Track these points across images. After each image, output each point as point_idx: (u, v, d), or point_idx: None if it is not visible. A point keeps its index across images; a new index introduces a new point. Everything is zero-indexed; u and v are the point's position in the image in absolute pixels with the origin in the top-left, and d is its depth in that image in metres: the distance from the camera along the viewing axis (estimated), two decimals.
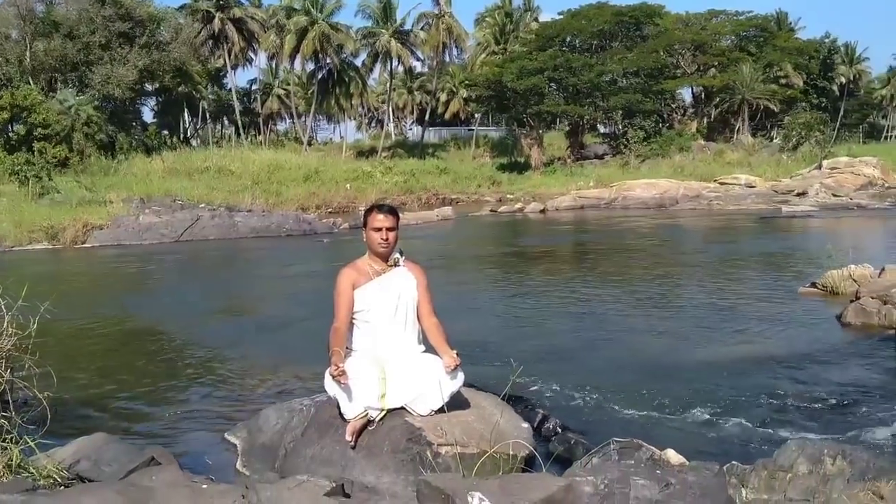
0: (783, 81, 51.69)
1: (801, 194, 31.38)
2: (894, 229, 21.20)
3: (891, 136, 72.94)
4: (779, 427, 5.21)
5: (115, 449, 4.39)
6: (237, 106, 55.53)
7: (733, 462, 3.82)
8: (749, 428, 5.21)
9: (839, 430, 5.07)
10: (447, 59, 58.67)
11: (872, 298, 8.54)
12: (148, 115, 59.81)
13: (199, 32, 48.99)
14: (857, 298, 8.73)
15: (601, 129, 56.99)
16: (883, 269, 9.61)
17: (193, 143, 57.18)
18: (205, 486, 3.26)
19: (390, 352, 4.34)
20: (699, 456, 4.17)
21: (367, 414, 4.17)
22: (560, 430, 5.17)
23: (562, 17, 53.90)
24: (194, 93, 56.33)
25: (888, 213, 26.01)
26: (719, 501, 3.36)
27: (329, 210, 31.90)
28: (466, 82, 58.00)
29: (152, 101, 57.44)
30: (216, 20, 49.17)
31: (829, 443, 3.87)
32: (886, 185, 32.17)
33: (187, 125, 63.72)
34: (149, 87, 48.31)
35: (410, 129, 79.57)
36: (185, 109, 60.59)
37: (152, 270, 16.26)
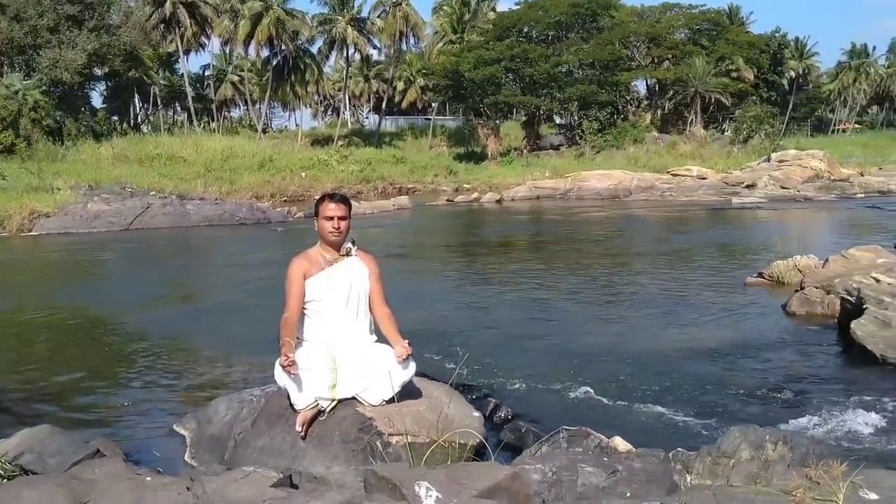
0: (735, 75, 52.64)
1: (751, 186, 31.99)
2: (839, 221, 21.76)
3: (837, 130, 74.84)
4: (723, 414, 5.33)
5: (60, 441, 4.31)
6: (189, 92, 54.55)
7: (679, 449, 3.89)
8: (694, 415, 5.32)
9: (781, 418, 5.20)
10: (404, 47, 58.41)
11: (816, 288, 8.76)
12: (97, 101, 58.37)
13: (151, 16, 47.95)
14: (802, 288, 8.94)
15: (557, 119, 57.38)
16: (827, 260, 9.85)
17: (144, 129, 56.00)
18: (149, 479, 3.21)
19: (341, 342, 4.32)
20: (646, 443, 4.24)
21: (318, 404, 4.15)
22: (511, 419, 5.21)
23: (519, 7, 54.10)
24: (145, 78, 55.15)
25: (833, 205, 26.70)
26: (664, 487, 3.43)
27: (284, 199, 31.58)
28: (423, 71, 57.90)
29: (102, 86, 56.04)
30: (168, 4, 48.15)
31: (770, 430, 3.97)
32: (832, 177, 32.95)
33: (138, 111, 62.40)
34: (98, 71, 47.09)
35: (367, 118, 79.21)
36: (136, 95, 59.30)
37: (101, 259, 15.92)
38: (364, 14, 52.93)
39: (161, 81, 60.92)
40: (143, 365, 7.09)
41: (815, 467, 2.79)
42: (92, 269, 14.66)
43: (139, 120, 61.05)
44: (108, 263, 15.49)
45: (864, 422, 5.08)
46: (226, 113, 69.12)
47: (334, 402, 4.19)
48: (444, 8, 60.86)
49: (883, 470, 3.17)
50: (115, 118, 55.51)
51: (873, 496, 2.62)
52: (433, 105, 63.92)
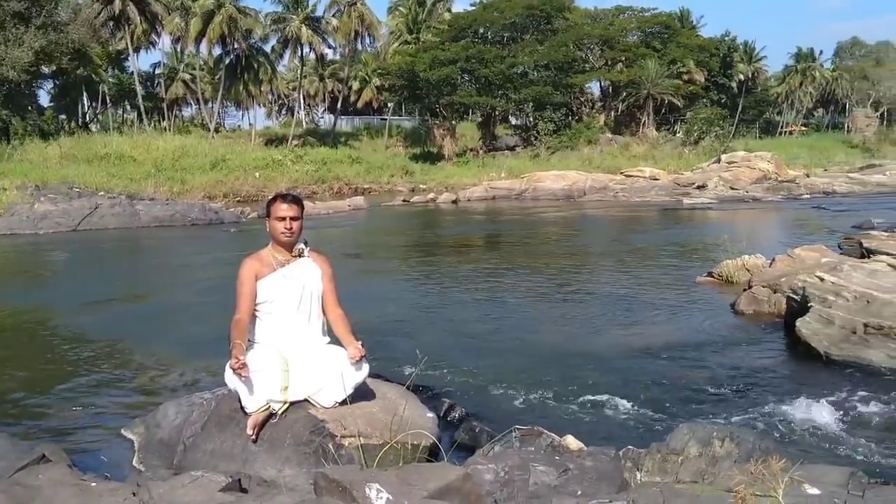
0: (686, 77, 53.50)
1: (701, 187, 32.60)
2: (786, 221, 22.29)
3: (785, 132, 76.57)
4: (672, 412, 5.42)
5: (3, 446, 4.19)
6: (140, 90, 53.46)
7: (629, 446, 3.94)
8: (645, 413, 5.39)
9: (728, 414, 5.30)
10: (359, 47, 58.05)
11: (763, 287, 8.96)
12: (45, 99, 56.97)
13: (99, 13, 46.86)
14: (750, 287, 9.14)
15: (513, 120, 57.68)
16: (773, 260, 10.08)
17: (93, 128, 54.76)
18: (94, 484, 3.14)
19: (293, 343, 4.28)
20: (597, 441, 4.29)
21: (269, 407, 4.11)
22: (465, 419, 5.22)
23: (474, 8, 54.23)
24: (94, 76, 53.86)
25: (780, 206, 27.34)
26: (615, 484, 3.47)
27: (237, 199, 31.20)
28: (379, 71, 57.68)
29: (49, 85, 54.66)
30: (117, 1, 47.13)
31: (718, 426, 4.05)
32: (779, 179, 33.75)
33: (86, 110, 60.97)
34: (45, 69, 45.87)
35: (322, 118, 78.56)
36: (85, 93, 57.91)
37: (47, 260, 15.54)
38: (319, 13, 52.52)
39: (110, 80, 59.59)
40: (90, 368, 6.94)
41: (756, 464, 2.85)
42: (38, 270, 14.31)
43: (88, 119, 59.65)
44: (55, 265, 15.12)
45: (808, 418, 5.21)
46: (177, 112, 67.94)
47: (286, 405, 4.15)
48: (400, 8, 60.73)
49: (824, 465, 3.25)
50: (63, 117, 54.19)
51: (815, 491, 2.69)
52: (389, 105, 63.71)
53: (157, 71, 64.66)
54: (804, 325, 7.00)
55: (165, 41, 57.34)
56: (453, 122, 51.54)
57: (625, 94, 52.94)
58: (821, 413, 5.27)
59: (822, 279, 7.55)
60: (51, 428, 5.36)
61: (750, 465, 2.86)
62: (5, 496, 2.98)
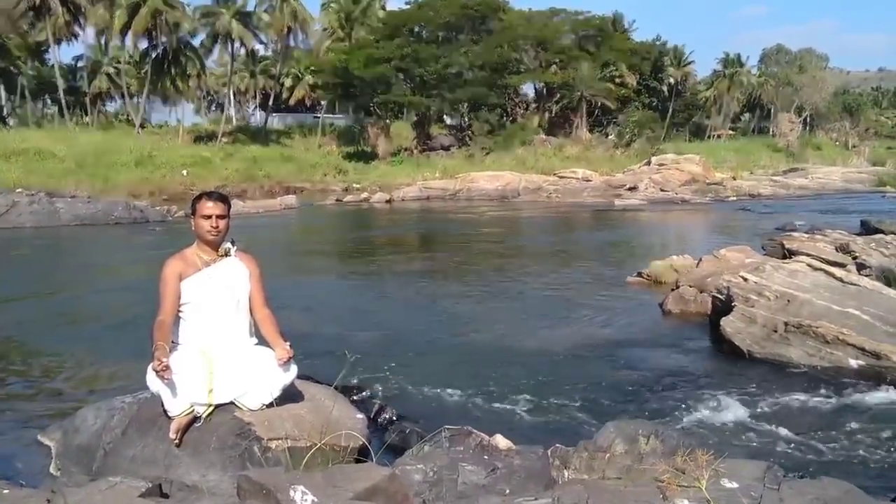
0: (618, 81, 54.57)
1: (633, 188, 33.31)
2: (713, 222, 22.93)
3: (713, 136, 78.76)
4: (600, 410, 5.49)
5: None
6: (61, 84, 51.54)
7: (557, 445, 3.97)
8: (573, 412, 5.46)
9: (655, 412, 5.41)
10: (292, 43, 57.25)
11: (690, 287, 9.18)
12: None
13: (19, 2, 45.07)
14: (677, 287, 9.35)
15: (448, 120, 57.85)
16: (700, 260, 10.35)
17: (11, 122, 52.64)
18: (6, 491, 3.00)
19: (219, 345, 4.18)
20: (526, 440, 4.31)
21: (194, 410, 3.99)
22: (395, 420, 5.20)
23: (409, 6, 54.16)
24: (12, 68, 51.85)
25: (708, 208, 28.13)
26: (542, 482, 3.49)
27: (164, 197, 30.40)
28: (312, 68, 57.07)
29: None
30: None
31: (644, 423, 4.11)
32: (707, 181, 34.76)
33: (3, 103, 58.58)
34: None
35: (253, 115, 77.25)
36: (2, 86, 55.65)
37: None
38: (250, 8, 51.64)
39: (29, 72, 57.38)
40: (4, 373, 6.65)
41: (682, 456, 2.90)
42: None
43: (5, 112, 57.30)
44: None
45: (731, 414, 5.36)
46: (101, 107, 65.80)
47: (211, 408, 4.05)
48: (333, 4, 60.14)
49: (743, 459, 3.34)
50: None
51: (733, 484, 2.75)
52: (322, 103, 63.05)
53: (80, 64, 62.41)
54: (728, 324, 7.20)
55: (89, 33, 55.39)
56: (388, 121, 51.38)
57: (559, 95, 53.69)
58: (743, 409, 5.43)
59: (745, 279, 7.77)
60: None
61: (676, 458, 2.91)
62: None
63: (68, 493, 2.90)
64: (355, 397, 5.47)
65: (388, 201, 31.44)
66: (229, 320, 4.26)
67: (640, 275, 11.18)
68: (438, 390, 6.00)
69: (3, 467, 4.36)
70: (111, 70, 61.98)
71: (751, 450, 4.64)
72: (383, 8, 60.99)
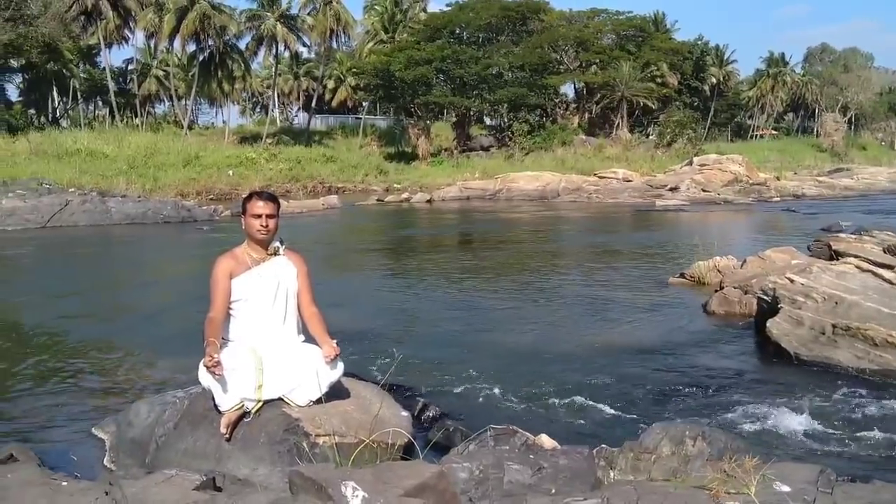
0: (659, 80, 53.98)
1: (674, 189, 32.89)
2: (756, 223, 22.57)
3: (756, 136, 77.52)
4: (645, 411, 5.46)
5: None
6: (112, 86, 52.79)
7: (602, 445, 3.97)
8: (618, 412, 5.44)
9: (700, 414, 5.36)
10: (335, 45, 57.81)
11: (735, 288, 9.06)
12: (13, 93, 56.08)
13: (71, 7, 46.20)
14: (721, 288, 9.24)
15: (487, 121, 57.83)
16: (745, 261, 10.21)
17: (63, 123, 53.99)
18: (64, 484, 3.10)
19: (268, 342, 4.26)
20: (571, 440, 4.31)
21: (243, 405, 4.08)
22: (439, 418, 5.23)
23: (450, 8, 54.27)
24: (65, 71, 53.20)
25: (751, 208, 27.69)
26: (588, 482, 3.50)
27: (210, 197, 30.92)
28: (354, 70, 57.48)
29: (18, 78, 53.84)
30: None
31: (690, 425, 4.09)
32: (750, 181, 34.15)
33: (57, 105, 60.11)
34: (14, 63, 45.21)
35: (296, 116, 78.14)
36: (55, 88, 57.12)
37: (14, 257, 15.29)
38: (294, 11, 52.27)
39: (81, 75, 58.83)
40: (60, 367, 6.84)
41: (729, 461, 2.89)
42: (5, 268, 14.08)
43: (58, 114, 58.85)
44: (23, 262, 14.88)
45: (778, 417, 5.28)
46: (150, 108, 67.13)
47: (260, 404, 4.13)
48: (376, 7, 60.56)
49: (794, 463, 3.30)
50: (33, 112, 53.35)
51: (785, 488, 2.73)
52: (364, 104, 63.53)
53: (130, 67, 63.82)
54: (774, 326, 7.09)
55: (139, 37, 56.68)
56: (428, 122, 51.52)
57: (599, 96, 53.29)
58: (790, 412, 5.35)
59: (791, 281, 7.65)
60: (19, 428, 5.28)
61: (723, 462, 2.90)
62: None
63: (125, 484, 3.00)
64: (399, 395, 5.51)
65: (429, 201, 31.54)
66: (278, 318, 4.34)
67: (682, 275, 11.06)
68: (481, 389, 6.02)
69: (59, 460, 4.48)
70: (160, 73, 63.22)
71: (800, 453, 4.58)
72: (424, 10, 61.22)
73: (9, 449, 4.15)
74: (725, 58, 71.02)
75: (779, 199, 31.40)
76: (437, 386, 6.11)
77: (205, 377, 4.07)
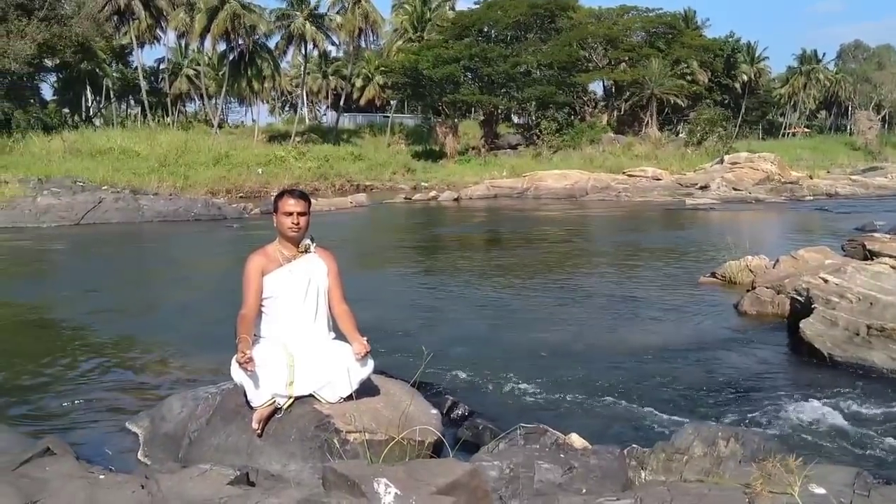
0: (689, 78, 53.48)
1: (704, 187, 32.56)
2: (789, 222, 22.28)
3: (787, 134, 76.52)
4: (676, 411, 5.42)
5: (7, 439, 4.21)
6: (143, 85, 53.54)
7: (633, 445, 3.95)
8: (649, 412, 5.40)
9: (733, 414, 5.31)
10: (363, 44, 58.04)
11: (767, 288, 8.95)
12: (48, 92, 57.01)
13: (104, 7, 46.88)
14: (753, 288, 9.13)
15: (515, 119, 57.68)
16: (777, 260, 10.07)
17: (97, 122, 54.79)
18: (102, 477, 3.15)
19: (299, 339, 4.28)
20: (602, 440, 4.29)
21: (275, 401, 4.12)
22: (469, 416, 5.23)
23: (478, 6, 54.20)
24: (98, 70, 53.96)
25: (783, 207, 27.32)
26: (619, 483, 3.48)
27: (240, 195, 31.18)
28: (382, 69, 57.64)
29: (52, 78, 54.71)
30: None
31: (722, 426, 4.06)
32: (783, 180, 33.72)
33: (90, 104, 61.03)
34: (48, 62, 45.91)
35: (325, 115, 78.59)
36: (88, 87, 58.00)
37: (50, 254, 15.58)
38: (322, 10, 52.57)
39: (114, 74, 59.65)
40: (94, 363, 6.95)
41: (772, 462, 2.86)
42: (40, 264, 14.34)
43: (91, 113, 59.73)
44: (58, 258, 15.15)
45: (812, 419, 5.22)
46: (181, 107, 67.97)
47: (291, 400, 4.16)
48: (404, 6, 60.67)
49: (830, 465, 3.26)
50: (67, 111, 54.23)
51: (821, 490, 2.70)
52: (392, 103, 63.70)
53: (161, 66, 64.71)
54: (808, 327, 7.00)
55: (170, 36, 57.42)
56: (456, 120, 51.50)
57: (628, 93, 52.93)
58: (824, 414, 5.28)
59: (825, 281, 7.54)
60: (52, 422, 5.37)
61: (767, 462, 2.87)
62: (13, 489, 2.99)
63: (161, 478, 3.04)
64: (427, 393, 5.52)
65: (456, 200, 31.53)
66: (309, 315, 4.36)
67: (713, 275, 10.95)
68: (509, 387, 6.01)
69: (94, 453, 4.54)
70: (190, 72, 64.04)
71: (834, 456, 4.51)
72: (452, 8, 61.22)
73: (45, 442, 4.21)
74: (757, 55, 70.16)
75: (811, 198, 30.95)
76: (464, 384, 6.12)
77: (237, 373, 4.11)
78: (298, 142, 47.77)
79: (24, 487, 3.02)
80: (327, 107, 77.36)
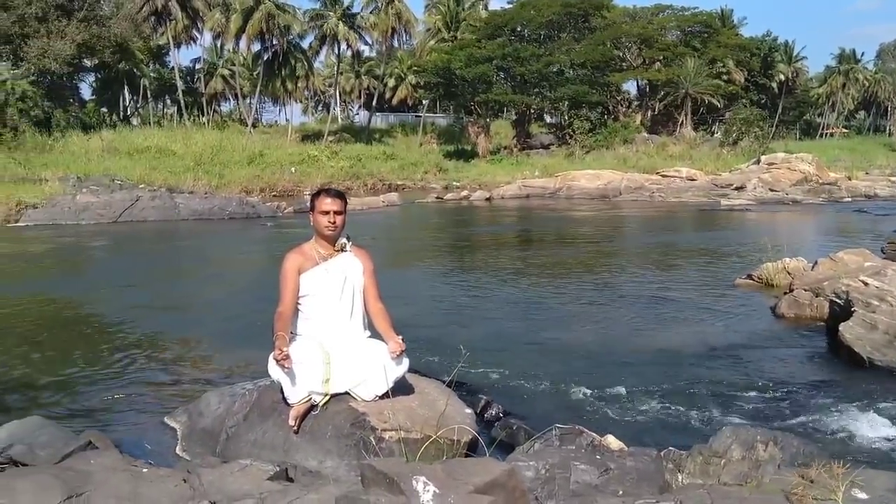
0: (725, 77, 52.82)
1: (740, 188, 32.13)
2: (827, 224, 21.91)
3: (825, 134, 75.25)
4: (714, 414, 5.36)
5: (51, 433, 4.28)
6: (180, 85, 54.26)
7: (670, 448, 3.92)
8: (686, 415, 5.35)
9: (771, 418, 5.24)
10: (396, 44, 58.23)
11: (805, 291, 8.81)
12: (87, 92, 58.05)
13: (142, 8, 47.62)
14: (791, 291, 8.99)
15: (547, 118, 57.45)
16: (816, 263, 9.91)
17: (134, 121, 55.69)
18: (145, 470, 3.21)
19: (335, 336, 4.32)
20: (638, 442, 4.26)
21: (311, 398, 4.16)
22: (503, 416, 5.23)
23: (511, 6, 54.07)
24: (135, 70, 54.87)
25: (821, 209, 26.87)
26: (656, 485, 3.45)
27: (273, 193, 31.42)
28: (415, 68, 57.77)
29: (91, 78, 55.74)
30: None
31: (761, 429, 4.00)
32: (820, 181, 33.13)
33: (128, 103, 62.04)
34: (87, 62, 46.78)
35: (357, 114, 79.02)
36: (126, 87, 58.96)
37: (88, 251, 15.84)
38: (356, 10, 52.84)
39: (151, 74, 60.59)
40: (132, 358, 7.06)
41: (817, 467, 2.82)
42: (79, 261, 14.59)
43: (129, 112, 60.71)
44: (97, 256, 15.41)
45: (851, 422, 5.13)
46: (216, 107, 68.80)
47: (327, 397, 4.20)
48: (438, 6, 60.75)
49: (873, 470, 3.20)
50: (105, 110, 55.14)
51: (863, 496, 2.66)
52: (424, 102, 63.83)
53: (197, 66, 65.58)
54: (847, 330, 6.88)
55: (206, 37, 58.18)
56: (488, 119, 51.43)
57: (662, 93, 52.41)
58: (863, 418, 5.19)
59: (865, 283, 7.41)
60: (92, 416, 5.46)
61: (811, 469, 2.83)
62: (59, 481, 3.06)
63: (203, 473, 3.09)
64: (461, 392, 5.53)
65: (488, 199, 31.48)
66: (345, 313, 4.40)
67: (749, 277, 10.80)
68: (543, 387, 6.00)
69: (133, 448, 4.61)
70: (226, 72, 64.79)
71: (874, 460, 4.43)
72: (486, 8, 61.16)
73: (86, 435, 4.30)
74: (794, 54, 69.10)
75: (850, 199, 30.40)
76: (499, 384, 6.11)
77: (274, 370, 4.15)
78: (331, 141, 48.07)
79: (68, 480, 3.08)
80: (360, 106, 77.77)
